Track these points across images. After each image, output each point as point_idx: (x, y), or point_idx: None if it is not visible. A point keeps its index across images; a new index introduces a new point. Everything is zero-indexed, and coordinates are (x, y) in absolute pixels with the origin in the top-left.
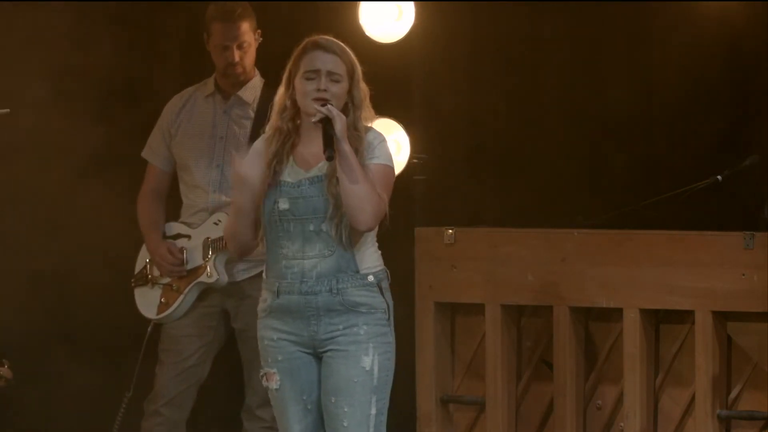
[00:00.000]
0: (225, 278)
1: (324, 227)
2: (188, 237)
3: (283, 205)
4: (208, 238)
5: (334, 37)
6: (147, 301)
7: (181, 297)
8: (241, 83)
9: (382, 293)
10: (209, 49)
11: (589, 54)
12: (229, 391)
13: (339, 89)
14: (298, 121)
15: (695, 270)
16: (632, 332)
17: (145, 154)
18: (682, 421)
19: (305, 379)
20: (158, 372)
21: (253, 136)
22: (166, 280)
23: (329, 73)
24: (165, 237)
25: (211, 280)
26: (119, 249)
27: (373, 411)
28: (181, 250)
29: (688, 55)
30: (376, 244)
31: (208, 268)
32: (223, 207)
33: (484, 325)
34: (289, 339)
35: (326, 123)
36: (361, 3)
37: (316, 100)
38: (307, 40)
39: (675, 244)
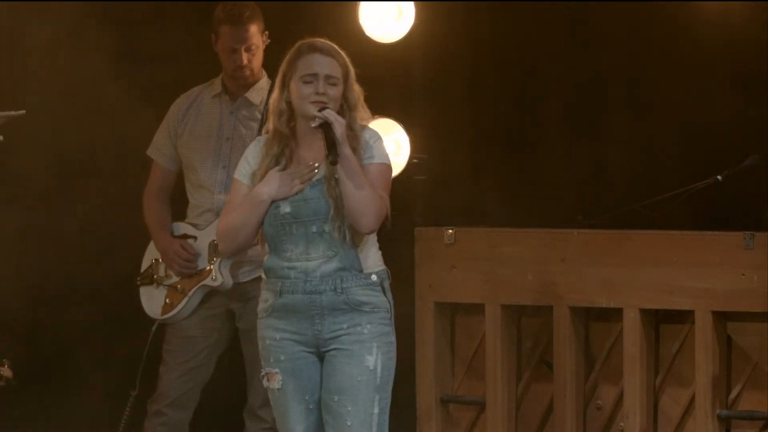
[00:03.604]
0: (230, 281)
1: (327, 228)
2: (194, 238)
3: (285, 208)
4: (213, 240)
5: (334, 37)
6: (152, 301)
7: (186, 299)
8: (249, 85)
9: (384, 293)
10: (217, 50)
11: (590, 54)
12: (232, 391)
13: (336, 92)
14: (293, 124)
15: (695, 270)
16: (632, 332)
17: (150, 152)
18: (682, 421)
19: (308, 378)
20: (162, 372)
21: None
22: (172, 280)
23: (327, 77)
24: (172, 236)
25: (216, 284)
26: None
27: (376, 410)
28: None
29: (688, 55)
30: (377, 245)
31: (214, 272)
32: None
33: (484, 325)
34: (292, 338)
35: (326, 128)
36: (361, 3)
37: (315, 103)
38: (300, 42)
39: (675, 244)
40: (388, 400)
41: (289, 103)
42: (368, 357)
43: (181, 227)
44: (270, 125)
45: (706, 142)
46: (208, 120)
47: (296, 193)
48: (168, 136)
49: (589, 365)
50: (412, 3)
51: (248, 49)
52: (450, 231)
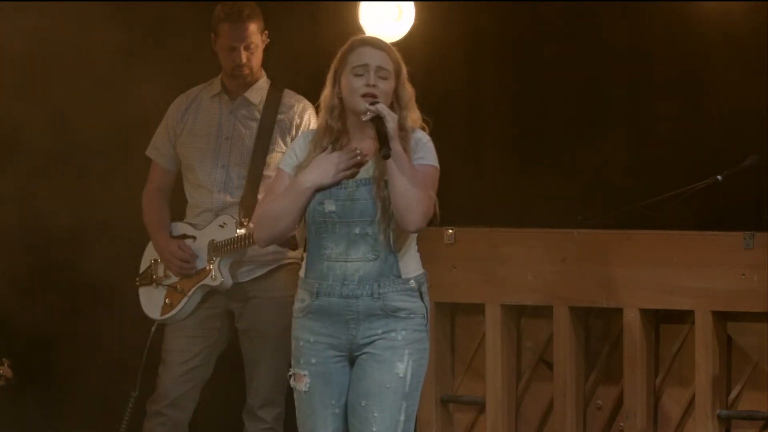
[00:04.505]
0: (230, 281)
1: (370, 231)
2: (194, 238)
3: (330, 206)
4: (213, 240)
5: (334, 37)
6: (151, 302)
7: (186, 299)
8: (248, 84)
9: (421, 298)
10: (216, 49)
11: (590, 54)
12: (232, 391)
13: (387, 86)
14: (343, 120)
15: (695, 270)
16: (632, 332)
17: (149, 152)
18: (682, 421)
19: (336, 383)
20: (161, 373)
21: (259, 137)
22: (171, 280)
23: (378, 69)
24: (171, 237)
25: (216, 283)
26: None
27: (402, 417)
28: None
29: (688, 55)
30: (416, 247)
31: (213, 271)
32: (227, 208)
33: (484, 325)
34: (327, 342)
35: (378, 122)
36: (361, 3)
37: (365, 96)
38: (353, 38)
39: (675, 244)
40: (416, 407)
41: (340, 99)
42: (399, 364)
43: (180, 227)
44: (320, 121)
45: (706, 142)
46: (207, 119)
47: (339, 181)
48: (167, 136)
49: (589, 365)
50: (412, 3)
51: (247, 48)
52: (450, 231)
